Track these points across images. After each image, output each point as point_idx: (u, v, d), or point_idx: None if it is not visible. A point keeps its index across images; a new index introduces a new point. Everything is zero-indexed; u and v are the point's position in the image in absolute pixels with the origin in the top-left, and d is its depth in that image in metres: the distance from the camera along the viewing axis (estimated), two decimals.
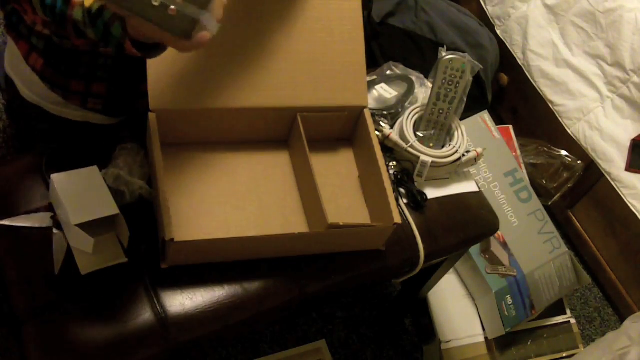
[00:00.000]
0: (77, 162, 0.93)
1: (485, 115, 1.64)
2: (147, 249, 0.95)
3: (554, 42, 1.84)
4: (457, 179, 1.19)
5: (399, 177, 1.13)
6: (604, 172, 1.76)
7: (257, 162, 1.08)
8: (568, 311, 1.67)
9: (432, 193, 1.15)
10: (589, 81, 1.77)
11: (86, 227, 0.86)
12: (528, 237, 1.57)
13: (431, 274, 1.36)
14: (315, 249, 1.00)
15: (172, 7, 0.67)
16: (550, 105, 1.86)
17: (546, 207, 1.73)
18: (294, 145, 1.09)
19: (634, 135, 1.71)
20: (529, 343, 1.59)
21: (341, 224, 0.96)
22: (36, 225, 0.93)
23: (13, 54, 1.10)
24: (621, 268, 1.83)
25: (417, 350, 1.65)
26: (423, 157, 1.11)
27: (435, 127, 1.15)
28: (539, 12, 1.87)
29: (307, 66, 1.03)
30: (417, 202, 1.12)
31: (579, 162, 1.84)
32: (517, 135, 1.86)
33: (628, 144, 1.71)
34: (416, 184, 1.14)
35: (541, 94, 1.88)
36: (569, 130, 1.82)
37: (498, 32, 1.99)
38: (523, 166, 1.80)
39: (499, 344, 1.54)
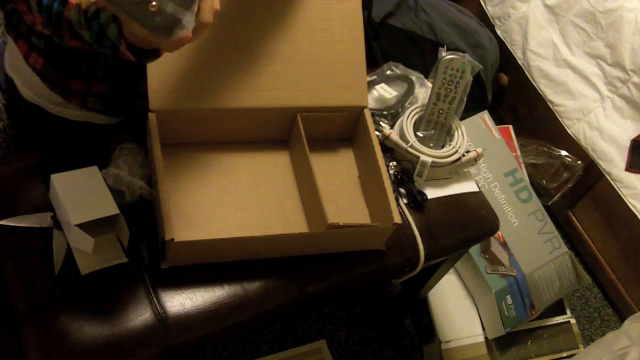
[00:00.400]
0: (77, 162, 0.93)
1: (485, 115, 1.64)
2: (147, 249, 0.95)
3: (554, 42, 1.84)
4: (457, 179, 1.19)
5: (399, 177, 1.13)
6: (604, 172, 1.76)
7: (257, 162, 1.08)
8: (568, 311, 1.67)
9: (432, 193, 1.15)
10: (589, 81, 1.77)
11: (86, 227, 0.86)
12: (528, 237, 1.57)
13: (431, 274, 1.36)
14: (315, 249, 1.00)
15: (154, 3, 0.67)
16: (550, 105, 1.86)
17: (546, 207, 1.73)
18: (294, 145, 1.09)
19: (634, 135, 1.71)
20: (529, 343, 1.59)
21: (341, 224, 0.96)
22: (36, 225, 0.93)
23: (13, 54, 1.10)
24: (621, 268, 1.83)
25: (417, 350, 1.65)
26: (423, 157, 1.11)
27: (435, 127, 1.15)
28: (539, 12, 1.87)
29: (307, 66, 1.03)
30: (417, 202, 1.12)
31: (579, 162, 1.84)
32: (517, 135, 1.86)
33: (628, 144, 1.71)
34: (416, 184, 1.14)
35: (541, 94, 1.88)
36: (569, 130, 1.82)
37: (498, 32, 1.99)
38: (523, 166, 1.80)
39: (499, 344, 1.54)
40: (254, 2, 1.00)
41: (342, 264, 1.02)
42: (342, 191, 1.09)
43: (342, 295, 1.63)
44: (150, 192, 0.95)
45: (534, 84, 1.89)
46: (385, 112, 1.18)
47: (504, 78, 2.05)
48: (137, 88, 1.08)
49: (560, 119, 1.84)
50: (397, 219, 0.98)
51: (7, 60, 1.13)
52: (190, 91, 0.97)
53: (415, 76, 1.25)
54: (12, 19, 1.04)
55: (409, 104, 1.20)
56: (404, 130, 1.14)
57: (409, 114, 1.16)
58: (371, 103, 1.21)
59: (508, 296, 1.50)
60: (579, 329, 1.70)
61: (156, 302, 0.91)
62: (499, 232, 1.53)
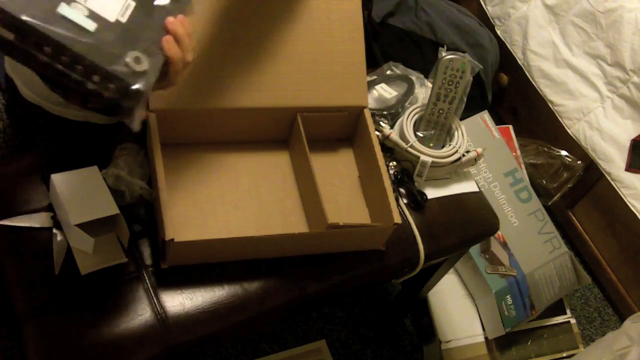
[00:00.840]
0: (77, 162, 0.93)
1: (485, 115, 1.64)
2: (147, 249, 0.95)
3: (554, 42, 1.84)
4: (457, 179, 1.19)
5: (399, 177, 1.13)
6: (604, 172, 1.76)
7: (257, 162, 1.08)
8: (568, 311, 1.67)
9: (432, 193, 1.15)
10: (589, 81, 1.77)
11: (86, 227, 0.86)
12: (528, 237, 1.57)
13: (431, 274, 1.36)
14: (315, 249, 1.00)
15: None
16: (550, 105, 1.86)
17: (546, 207, 1.73)
18: (294, 145, 1.09)
19: (634, 135, 1.71)
20: (529, 343, 1.59)
21: (341, 224, 0.96)
22: (36, 225, 0.93)
23: None
24: (621, 268, 1.83)
25: (417, 350, 1.65)
26: (423, 157, 1.11)
27: (435, 127, 1.15)
28: (539, 12, 1.87)
29: (307, 66, 1.03)
30: (417, 202, 1.12)
31: (579, 162, 1.84)
32: (517, 135, 1.86)
33: (628, 144, 1.71)
34: (416, 184, 1.14)
35: (541, 94, 1.88)
36: (569, 130, 1.82)
37: (498, 32, 1.99)
38: (523, 166, 1.80)
39: (499, 344, 1.54)
40: (253, 2, 1.00)
41: (342, 264, 1.02)
42: (342, 191, 1.09)
43: (342, 295, 1.64)
44: (150, 192, 0.95)
45: (534, 84, 1.89)
46: (385, 112, 1.18)
47: (504, 78, 2.05)
48: None
49: (560, 119, 1.84)
50: (397, 219, 0.98)
51: (7, 60, 1.13)
52: (190, 91, 0.97)
53: (415, 76, 1.25)
54: None
55: (409, 104, 1.20)
56: (404, 130, 1.14)
57: (409, 114, 1.16)
58: (371, 103, 1.21)
59: (508, 296, 1.50)
60: (579, 329, 1.70)
61: (156, 302, 0.91)
62: (499, 232, 1.53)
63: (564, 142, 1.86)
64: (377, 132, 1.10)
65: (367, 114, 1.08)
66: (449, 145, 1.15)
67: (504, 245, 1.54)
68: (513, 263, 1.52)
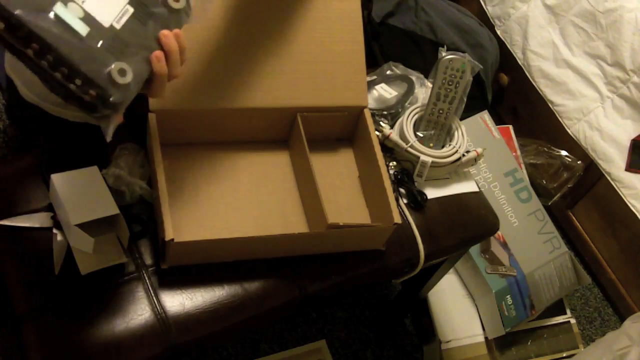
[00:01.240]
0: (77, 162, 0.93)
1: (485, 115, 1.64)
2: (147, 249, 0.95)
3: (554, 42, 1.84)
4: (457, 179, 1.19)
5: (399, 177, 1.13)
6: (604, 172, 1.76)
7: (257, 162, 1.08)
8: (568, 311, 1.67)
9: (432, 193, 1.15)
10: (589, 81, 1.77)
11: (86, 227, 0.86)
12: (528, 237, 1.57)
13: (431, 274, 1.36)
14: (315, 249, 1.00)
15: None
16: (550, 105, 1.86)
17: (546, 207, 1.73)
18: (294, 145, 1.09)
19: (634, 135, 1.71)
20: (529, 343, 1.59)
21: (341, 224, 0.96)
22: (36, 225, 0.93)
23: None
24: (621, 268, 1.83)
25: (417, 350, 1.65)
26: (423, 157, 1.11)
27: (435, 127, 1.15)
28: (539, 12, 1.87)
29: (307, 66, 1.03)
30: (417, 202, 1.12)
31: (579, 162, 1.84)
32: (517, 135, 1.86)
33: (628, 144, 1.71)
34: (416, 184, 1.14)
35: (541, 94, 1.88)
36: (569, 130, 1.82)
37: (498, 32, 1.99)
38: (523, 166, 1.80)
39: (499, 344, 1.54)
40: (253, 3, 1.00)
41: (342, 264, 1.02)
42: (342, 191, 1.09)
43: (342, 295, 1.64)
44: (150, 192, 0.95)
45: (534, 84, 1.89)
46: (385, 112, 1.18)
47: (504, 78, 2.05)
48: None
49: (560, 119, 1.84)
50: (397, 219, 0.98)
51: (7, 60, 1.13)
52: (190, 91, 0.97)
53: (415, 76, 1.25)
54: None
55: (409, 104, 1.20)
56: (404, 130, 1.14)
57: (409, 114, 1.16)
58: (371, 103, 1.21)
59: (508, 296, 1.50)
60: (579, 329, 1.70)
61: (156, 302, 0.91)
62: (499, 232, 1.53)
63: (564, 142, 1.86)
64: (377, 132, 1.10)
65: (367, 114, 1.08)
66: (449, 145, 1.15)
67: (504, 245, 1.54)
68: (513, 263, 1.52)
